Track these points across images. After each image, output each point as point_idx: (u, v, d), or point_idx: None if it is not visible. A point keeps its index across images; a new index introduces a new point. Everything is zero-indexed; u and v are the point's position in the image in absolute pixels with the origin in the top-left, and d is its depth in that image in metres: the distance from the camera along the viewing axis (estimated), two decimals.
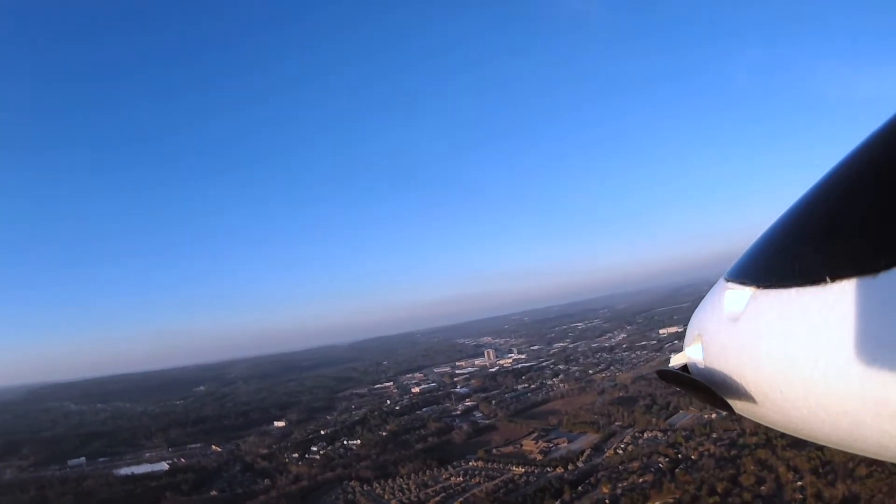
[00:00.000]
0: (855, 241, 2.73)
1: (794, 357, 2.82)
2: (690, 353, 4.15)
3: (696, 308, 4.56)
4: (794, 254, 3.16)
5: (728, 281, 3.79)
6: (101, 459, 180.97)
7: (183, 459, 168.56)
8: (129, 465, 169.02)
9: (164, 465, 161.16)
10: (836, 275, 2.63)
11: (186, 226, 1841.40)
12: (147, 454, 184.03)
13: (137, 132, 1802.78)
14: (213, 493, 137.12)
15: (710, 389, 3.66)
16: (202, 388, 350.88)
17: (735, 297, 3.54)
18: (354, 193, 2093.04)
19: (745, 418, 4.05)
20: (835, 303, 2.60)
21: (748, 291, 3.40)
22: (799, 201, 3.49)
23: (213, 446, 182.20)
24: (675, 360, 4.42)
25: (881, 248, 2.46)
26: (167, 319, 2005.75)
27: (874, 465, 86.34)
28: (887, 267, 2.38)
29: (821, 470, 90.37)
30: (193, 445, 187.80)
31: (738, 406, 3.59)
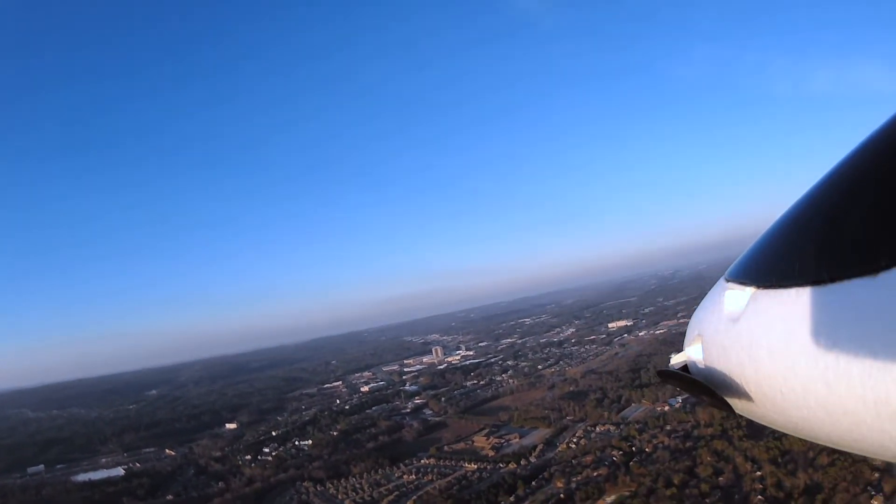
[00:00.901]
0: (855, 241, 2.72)
1: (794, 357, 2.85)
2: (690, 353, 4.21)
3: (695, 307, 4.59)
4: (794, 254, 3.19)
5: (728, 281, 3.86)
6: (59, 466, 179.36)
7: (138, 464, 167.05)
8: (86, 471, 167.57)
9: (121, 471, 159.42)
10: (836, 275, 2.65)
11: (136, 230, 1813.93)
12: (103, 459, 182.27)
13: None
14: (169, 497, 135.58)
15: (710, 389, 3.75)
16: (154, 391, 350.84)
17: (735, 297, 3.62)
18: (301, 193, 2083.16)
19: (747, 418, 4.05)
20: (835, 303, 2.63)
21: (748, 291, 3.48)
22: (799, 201, 3.53)
23: (167, 450, 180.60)
24: (675, 360, 4.47)
25: (881, 248, 2.46)
26: (118, 323, 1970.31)
27: (836, 454, 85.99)
28: (887, 267, 2.39)
29: (780, 460, 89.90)
30: (148, 450, 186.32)
31: (738, 406, 3.67)
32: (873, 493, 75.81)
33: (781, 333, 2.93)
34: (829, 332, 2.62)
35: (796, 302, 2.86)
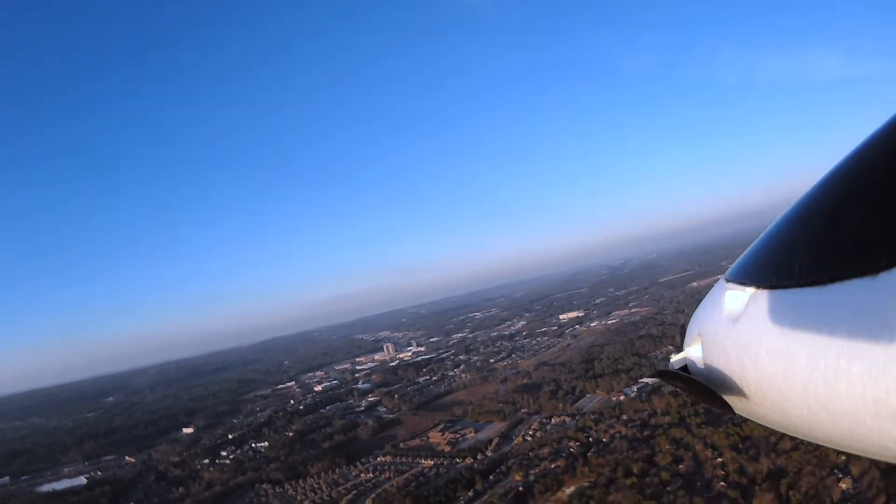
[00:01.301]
0: (854, 241, 2.73)
1: (794, 357, 2.87)
2: (690, 353, 4.31)
3: (695, 308, 4.68)
4: (794, 254, 3.22)
5: (728, 281, 3.92)
6: (23, 478, 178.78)
7: (99, 472, 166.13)
8: (49, 481, 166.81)
9: (83, 480, 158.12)
10: (836, 275, 2.67)
11: (85, 237, 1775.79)
12: (65, 469, 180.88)
13: None
14: None
15: (709, 389, 3.81)
16: (111, 398, 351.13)
17: (735, 298, 3.70)
18: (250, 195, 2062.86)
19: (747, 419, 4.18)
20: (834, 303, 2.64)
21: (748, 291, 3.54)
22: (799, 202, 3.57)
23: (127, 457, 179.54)
24: (675, 360, 4.57)
25: (881, 249, 2.47)
26: (72, 330, 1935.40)
27: (799, 439, 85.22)
28: (887, 267, 2.40)
29: (741, 446, 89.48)
30: (108, 458, 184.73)
31: (738, 406, 3.75)
32: (840, 476, 75.72)
33: (781, 333, 2.96)
34: (829, 332, 2.63)
35: (796, 302, 2.90)
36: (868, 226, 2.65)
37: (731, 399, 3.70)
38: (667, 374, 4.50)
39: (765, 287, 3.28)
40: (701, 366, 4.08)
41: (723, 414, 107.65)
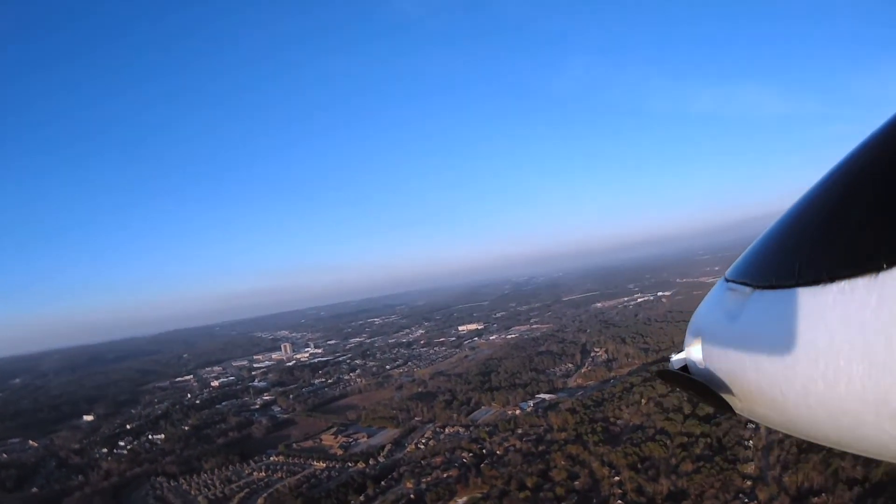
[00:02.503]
0: (855, 240, 2.72)
1: (794, 357, 2.87)
2: (690, 353, 4.26)
3: (695, 308, 4.59)
4: (794, 254, 3.21)
5: (728, 281, 3.96)
6: None
7: (5, 455, 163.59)
8: None
9: None
10: (836, 275, 2.67)
11: None
12: None
13: None
14: (35, 489, 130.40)
15: (709, 389, 3.84)
16: (18, 380, 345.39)
17: (735, 297, 3.69)
18: (163, 187, 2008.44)
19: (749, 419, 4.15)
20: (834, 303, 2.64)
21: (748, 291, 3.53)
22: (799, 201, 3.56)
23: (31, 441, 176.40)
24: (675, 360, 4.50)
25: (881, 248, 2.47)
26: None
27: (702, 462, 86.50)
28: (887, 267, 2.40)
29: (640, 466, 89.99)
30: (13, 440, 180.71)
31: (738, 406, 3.72)
32: (746, 501, 76.94)
33: (781, 333, 2.95)
34: (829, 332, 2.63)
35: (796, 302, 2.88)
36: (868, 225, 2.65)
37: (731, 399, 3.68)
38: (667, 375, 4.42)
39: (765, 287, 3.30)
40: (701, 366, 4.02)
41: (621, 433, 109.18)
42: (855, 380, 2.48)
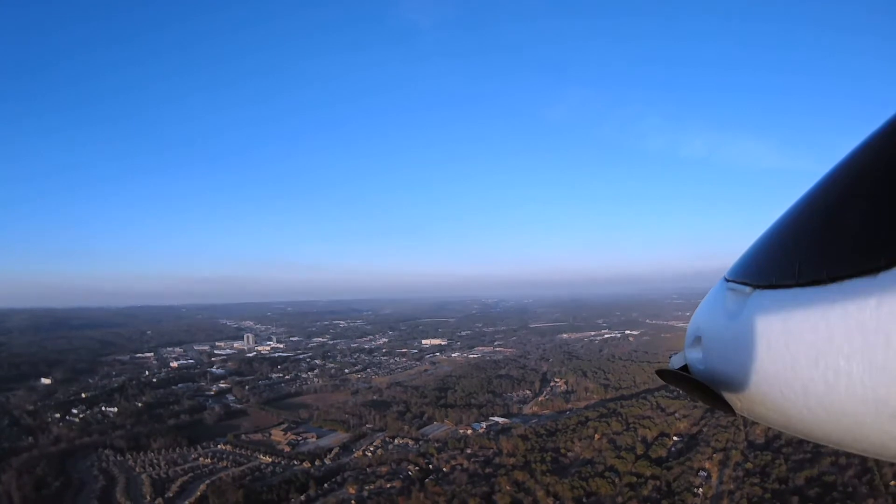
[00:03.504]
0: (854, 240, 2.71)
1: (794, 357, 2.88)
2: (690, 353, 4.33)
3: (696, 308, 4.60)
4: (794, 253, 3.22)
5: (728, 281, 3.96)
6: None
7: None
8: None
9: None
10: (836, 274, 2.67)
11: None
12: None
13: None
14: None
15: (709, 389, 3.84)
16: None
17: (735, 297, 3.71)
18: (154, 166, 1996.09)
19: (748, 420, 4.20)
20: (834, 302, 2.64)
21: (748, 291, 3.54)
22: (799, 201, 3.54)
23: None
24: (675, 360, 4.62)
25: (881, 248, 2.47)
26: None
27: (647, 503, 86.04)
28: (887, 267, 2.40)
29: (585, 500, 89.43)
30: None
31: (739, 406, 3.72)
32: None
33: (781, 333, 2.97)
34: (829, 332, 2.63)
35: (796, 302, 2.89)
36: (868, 225, 2.62)
37: (731, 399, 3.68)
38: (667, 375, 4.39)
39: (765, 286, 3.31)
40: (701, 366, 4.05)
41: (570, 465, 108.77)
42: (855, 380, 2.48)
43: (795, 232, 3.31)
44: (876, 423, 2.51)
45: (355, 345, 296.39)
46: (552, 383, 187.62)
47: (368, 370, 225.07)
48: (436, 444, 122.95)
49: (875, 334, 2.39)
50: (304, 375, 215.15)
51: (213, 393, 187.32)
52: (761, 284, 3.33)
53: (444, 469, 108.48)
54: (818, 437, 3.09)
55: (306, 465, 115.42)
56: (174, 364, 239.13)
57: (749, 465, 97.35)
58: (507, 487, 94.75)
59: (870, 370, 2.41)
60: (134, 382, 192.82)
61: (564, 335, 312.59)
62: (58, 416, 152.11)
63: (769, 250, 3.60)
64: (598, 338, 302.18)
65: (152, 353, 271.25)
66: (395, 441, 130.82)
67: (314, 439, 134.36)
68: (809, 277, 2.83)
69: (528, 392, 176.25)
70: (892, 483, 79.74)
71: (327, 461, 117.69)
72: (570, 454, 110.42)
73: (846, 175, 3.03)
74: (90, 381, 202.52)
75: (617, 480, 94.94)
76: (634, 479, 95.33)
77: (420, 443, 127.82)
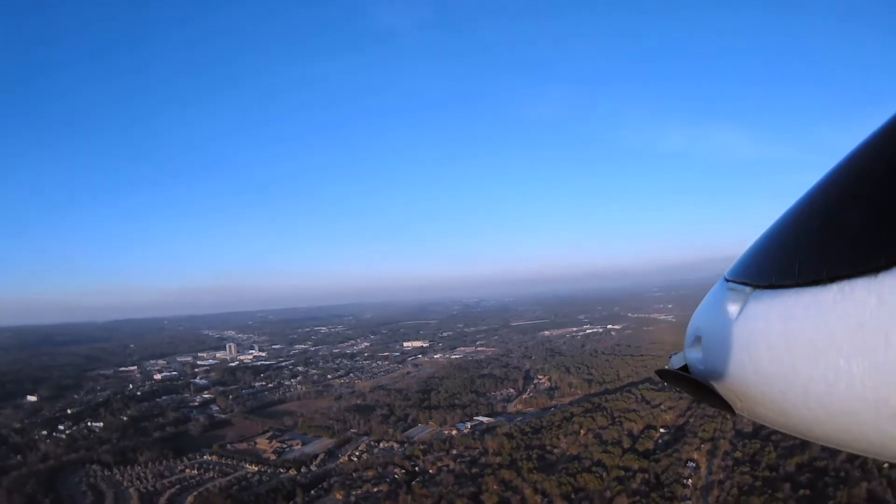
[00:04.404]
0: (854, 240, 2.68)
1: (794, 357, 2.87)
2: (690, 354, 4.29)
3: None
4: (794, 253, 3.19)
5: (728, 281, 3.89)
6: None
7: None
8: None
9: None
10: (836, 275, 2.65)
11: None
12: None
13: None
14: None
15: (709, 389, 3.81)
16: None
17: (735, 297, 3.65)
18: (137, 174, 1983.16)
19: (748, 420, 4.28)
20: (834, 303, 2.63)
21: (748, 291, 3.52)
22: (799, 201, 3.52)
23: None
24: (675, 360, 4.60)
25: (881, 248, 2.45)
26: None
27: (637, 497, 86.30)
28: (887, 267, 2.39)
29: (573, 496, 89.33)
30: None
31: (739, 406, 3.70)
32: None
33: (781, 333, 2.95)
34: (829, 332, 2.62)
35: (796, 302, 2.87)
36: (868, 225, 2.60)
37: (731, 399, 3.64)
38: (667, 375, 4.41)
39: (765, 286, 3.29)
40: (701, 366, 3.99)
41: (557, 462, 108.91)
42: (855, 380, 2.47)
43: (795, 232, 3.31)
44: (876, 423, 2.49)
45: (337, 350, 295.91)
46: (535, 380, 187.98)
47: (351, 375, 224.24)
48: (421, 447, 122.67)
49: (875, 334, 2.38)
50: (287, 383, 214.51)
51: (197, 404, 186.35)
52: (761, 284, 3.32)
53: (431, 471, 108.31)
54: (818, 437, 3.09)
55: (292, 472, 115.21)
56: (158, 376, 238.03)
57: (738, 454, 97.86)
58: (495, 487, 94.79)
59: (870, 370, 2.41)
60: (119, 396, 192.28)
61: (546, 332, 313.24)
62: (45, 433, 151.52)
63: (769, 250, 3.59)
64: (580, 333, 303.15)
65: (136, 367, 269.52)
66: (381, 445, 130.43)
67: (299, 446, 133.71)
68: (809, 277, 2.81)
69: (511, 390, 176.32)
70: (885, 465, 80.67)
71: (313, 468, 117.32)
72: (556, 451, 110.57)
73: (846, 175, 3.01)
74: (75, 396, 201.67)
75: (605, 475, 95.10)
76: (622, 472, 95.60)
77: (405, 445, 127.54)
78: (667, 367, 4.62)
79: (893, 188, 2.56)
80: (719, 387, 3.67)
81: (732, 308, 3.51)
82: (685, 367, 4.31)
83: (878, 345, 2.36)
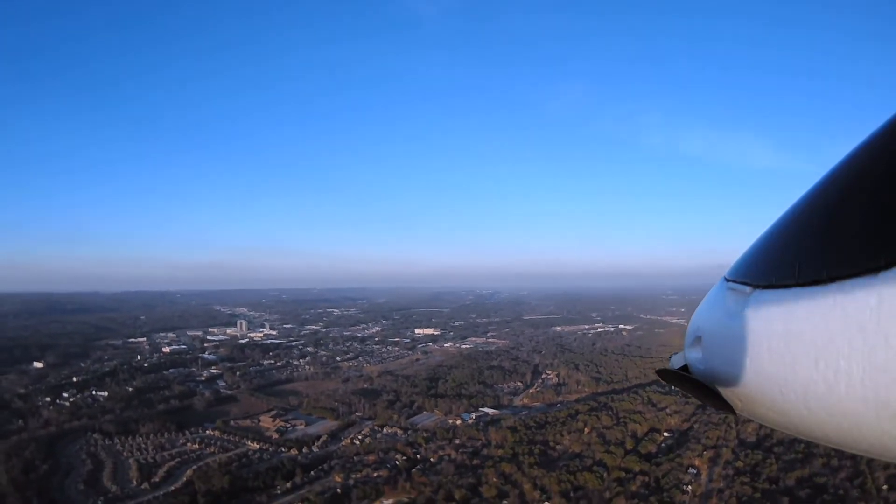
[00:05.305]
0: (855, 240, 2.69)
1: (794, 357, 2.88)
2: (690, 353, 4.31)
3: (696, 307, 4.57)
4: (794, 253, 3.21)
5: (728, 280, 3.94)
6: None
7: None
8: None
9: None
10: (836, 274, 2.67)
11: None
12: None
13: None
14: None
15: (710, 389, 3.82)
16: None
17: (735, 297, 3.69)
18: (141, 144, 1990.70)
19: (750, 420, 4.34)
20: (834, 302, 2.64)
21: (748, 291, 3.53)
22: (799, 200, 3.53)
23: None
24: (676, 360, 4.62)
25: (881, 248, 2.46)
26: None
27: (636, 499, 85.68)
28: (887, 266, 2.39)
29: (572, 494, 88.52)
30: None
31: (739, 406, 3.71)
32: None
33: (781, 333, 2.97)
34: (829, 331, 2.63)
35: (796, 302, 2.88)
36: (868, 225, 2.61)
37: (731, 399, 3.65)
38: (667, 375, 4.42)
39: (765, 286, 3.30)
40: (701, 366, 4.03)
41: (558, 458, 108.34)
42: (855, 380, 2.48)
43: (795, 232, 3.30)
44: (876, 424, 2.49)
45: (348, 333, 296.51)
46: (544, 375, 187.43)
47: (360, 358, 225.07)
48: (424, 434, 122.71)
49: (875, 334, 2.38)
50: (295, 362, 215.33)
51: (203, 378, 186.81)
52: (761, 284, 3.32)
53: (432, 459, 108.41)
54: (818, 437, 3.05)
55: (294, 452, 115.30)
56: (166, 349, 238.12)
57: (739, 464, 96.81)
58: (494, 479, 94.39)
59: (870, 370, 2.40)
60: (125, 367, 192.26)
61: (558, 328, 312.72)
62: (48, 399, 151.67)
63: (769, 250, 3.57)
64: (592, 331, 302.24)
65: (145, 338, 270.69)
66: (384, 430, 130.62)
67: (303, 426, 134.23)
68: (809, 277, 2.82)
69: (519, 384, 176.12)
70: (885, 487, 79.68)
71: (315, 449, 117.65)
72: (558, 447, 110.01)
73: (846, 175, 3.00)
74: (82, 365, 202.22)
75: (605, 475, 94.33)
76: (623, 474, 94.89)
77: (408, 432, 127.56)
78: (666, 366, 4.61)
79: (893, 188, 2.55)
80: (719, 386, 3.68)
81: (732, 308, 3.54)
82: (685, 367, 4.30)
83: (879, 345, 2.36)
